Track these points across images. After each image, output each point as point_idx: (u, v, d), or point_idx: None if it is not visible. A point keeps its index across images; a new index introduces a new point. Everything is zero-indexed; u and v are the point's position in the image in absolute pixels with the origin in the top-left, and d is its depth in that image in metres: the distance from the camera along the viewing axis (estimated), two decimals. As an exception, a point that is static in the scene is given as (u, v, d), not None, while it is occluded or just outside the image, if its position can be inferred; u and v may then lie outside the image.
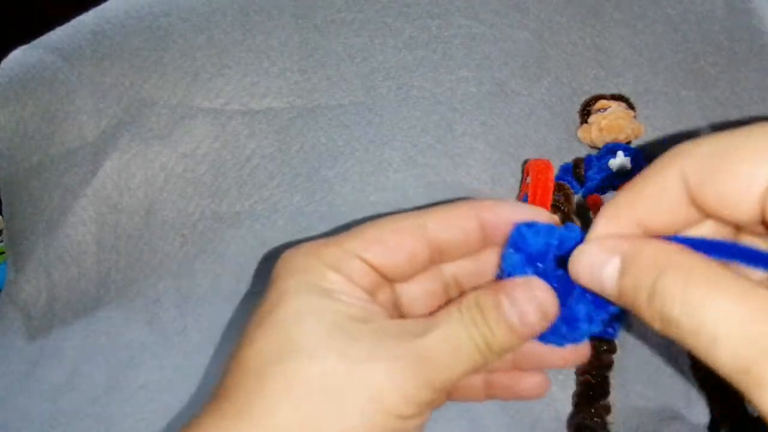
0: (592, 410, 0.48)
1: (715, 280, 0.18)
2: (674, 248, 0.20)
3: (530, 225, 0.24)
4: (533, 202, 0.52)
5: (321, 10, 0.63)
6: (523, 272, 0.23)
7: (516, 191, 0.58)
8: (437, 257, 0.25)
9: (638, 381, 0.51)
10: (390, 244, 0.24)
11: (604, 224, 0.22)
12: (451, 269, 0.26)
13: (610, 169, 0.56)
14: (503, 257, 0.24)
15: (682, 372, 0.51)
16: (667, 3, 0.64)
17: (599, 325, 0.23)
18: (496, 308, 0.22)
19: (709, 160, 0.20)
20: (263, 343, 0.22)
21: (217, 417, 0.22)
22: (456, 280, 0.26)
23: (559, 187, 0.56)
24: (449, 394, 0.24)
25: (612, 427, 0.48)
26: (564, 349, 0.25)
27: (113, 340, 0.56)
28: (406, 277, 0.25)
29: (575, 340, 0.24)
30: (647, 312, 0.19)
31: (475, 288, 0.25)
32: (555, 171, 0.57)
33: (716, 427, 0.48)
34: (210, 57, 0.62)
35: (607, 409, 0.49)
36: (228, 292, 0.58)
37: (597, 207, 0.56)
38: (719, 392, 0.48)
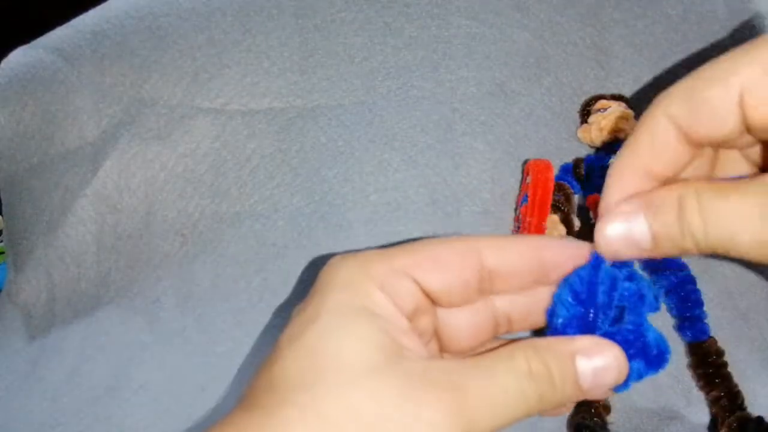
0: (592, 410, 0.48)
1: (726, 189, 0.20)
2: (680, 183, 0.22)
3: (590, 272, 0.23)
4: (533, 202, 0.52)
5: (321, 10, 0.63)
6: (578, 324, 0.23)
7: (516, 191, 0.58)
8: (489, 287, 0.24)
9: (638, 381, 0.51)
10: (443, 264, 0.23)
11: (614, 185, 0.23)
12: (503, 304, 0.25)
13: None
14: (559, 302, 0.23)
15: (682, 372, 0.51)
16: (667, 3, 0.64)
17: (651, 327, 0.24)
18: (569, 368, 0.22)
19: (686, 92, 0.22)
20: (291, 362, 0.21)
21: (233, 429, 0.21)
22: (507, 316, 0.25)
23: (559, 187, 0.56)
24: None
25: (612, 427, 0.48)
26: None
27: (113, 340, 0.56)
28: (454, 303, 0.24)
29: (657, 361, 0.24)
30: (683, 241, 0.21)
31: (523, 327, 0.25)
32: (555, 171, 0.57)
33: (716, 427, 0.48)
34: (210, 57, 0.62)
35: (607, 409, 0.49)
36: (228, 292, 0.58)
37: (597, 207, 0.56)
38: (719, 392, 0.48)
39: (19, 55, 0.63)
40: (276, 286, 0.57)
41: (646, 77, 0.63)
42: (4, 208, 0.64)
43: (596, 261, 0.24)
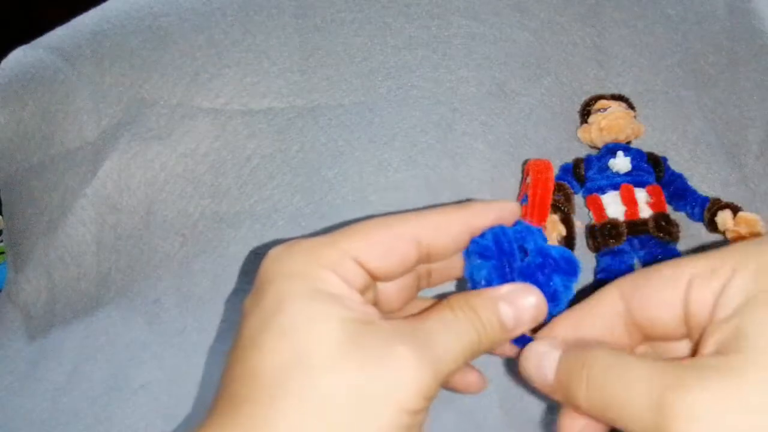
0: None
1: (630, 358, 0.22)
2: (593, 346, 0.24)
3: (483, 235, 0.27)
4: (533, 202, 0.52)
5: (321, 10, 0.63)
6: (497, 275, 0.26)
7: (516, 191, 0.58)
8: (424, 260, 0.26)
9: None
10: (386, 248, 0.25)
11: (543, 334, 0.26)
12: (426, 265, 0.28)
13: (610, 169, 0.56)
14: (473, 267, 0.27)
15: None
16: (667, 3, 0.64)
17: (572, 291, 0.27)
18: (492, 310, 0.25)
19: (639, 278, 0.24)
20: (274, 352, 0.21)
21: (228, 430, 0.21)
22: (428, 274, 0.28)
23: (559, 187, 0.56)
24: None
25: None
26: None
27: (113, 340, 0.56)
28: (393, 278, 0.26)
29: (557, 313, 0.27)
30: (577, 388, 0.23)
31: (441, 281, 0.29)
32: (555, 171, 0.57)
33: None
34: (210, 57, 0.62)
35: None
36: (228, 292, 0.58)
37: (597, 207, 0.56)
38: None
39: (19, 55, 0.63)
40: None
41: (646, 77, 0.63)
42: (4, 208, 0.64)
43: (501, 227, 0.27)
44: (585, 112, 0.60)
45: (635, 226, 0.54)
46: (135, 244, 0.60)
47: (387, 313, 0.28)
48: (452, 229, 0.26)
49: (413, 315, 0.25)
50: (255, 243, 0.59)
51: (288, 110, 0.62)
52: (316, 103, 0.62)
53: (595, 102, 0.60)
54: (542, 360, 0.25)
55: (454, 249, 0.27)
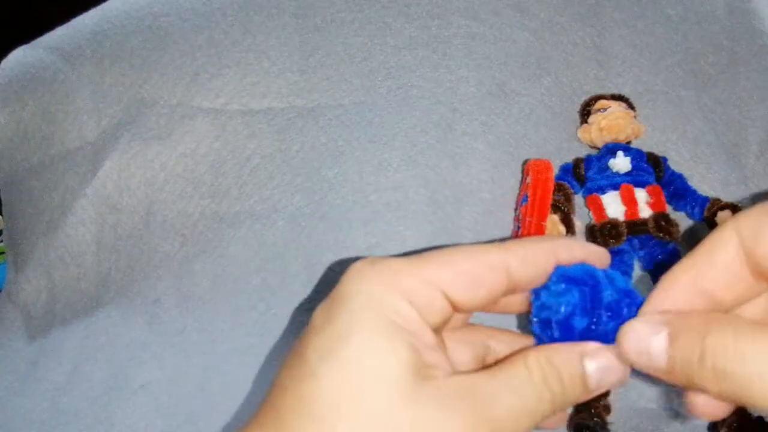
0: (592, 410, 0.48)
1: (762, 330, 0.19)
2: (717, 313, 0.21)
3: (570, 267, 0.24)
4: (533, 202, 0.52)
5: (321, 10, 0.63)
6: (581, 305, 0.24)
7: (516, 191, 0.58)
8: (509, 292, 0.24)
9: (638, 381, 0.51)
10: (476, 281, 0.23)
11: (660, 295, 0.22)
12: None
13: (610, 169, 0.56)
14: (557, 292, 0.24)
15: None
16: (667, 3, 0.64)
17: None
18: (577, 367, 0.23)
19: (759, 218, 0.20)
20: (325, 382, 0.21)
21: None
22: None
23: (559, 187, 0.56)
24: None
25: (612, 427, 0.48)
26: None
27: (113, 340, 0.56)
28: (475, 310, 0.24)
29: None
30: (699, 373, 0.20)
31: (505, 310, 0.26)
32: (555, 171, 0.57)
33: (716, 427, 0.48)
34: (210, 57, 0.62)
35: (607, 409, 0.49)
36: (228, 292, 0.58)
37: (597, 207, 0.56)
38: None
39: (19, 55, 0.63)
40: (276, 286, 0.57)
41: (646, 77, 0.63)
42: (4, 208, 0.64)
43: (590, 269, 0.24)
44: (585, 112, 0.60)
45: (635, 226, 0.54)
46: (135, 244, 0.60)
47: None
48: (540, 261, 0.24)
49: (482, 369, 0.23)
50: (255, 243, 0.59)
51: (288, 110, 0.62)
52: (316, 103, 0.62)
53: (595, 102, 0.60)
54: (647, 345, 0.22)
55: (539, 282, 0.25)
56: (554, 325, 0.24)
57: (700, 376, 0.20)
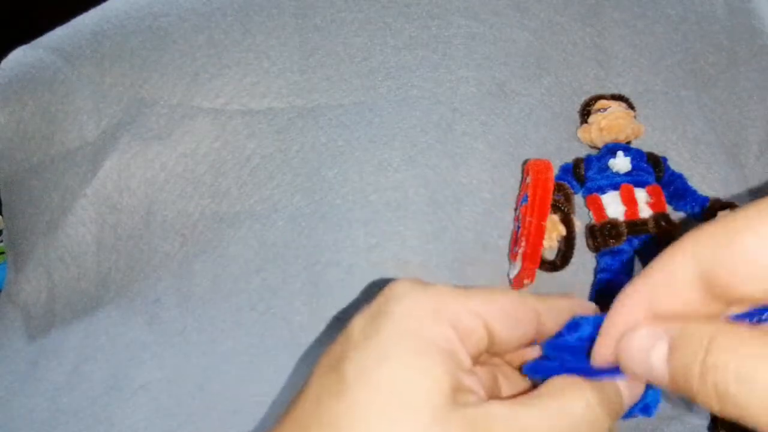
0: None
1: (748, 364, 0.18)
2: (721, 322, 0.20)
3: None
4: (533, 202, 0.52)
5: (321, 10, 0.63)
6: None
7: (516, 191, 0.58)
8: (530, 341, 0.25)
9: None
10: (516, 320, 0.23)
11: (613, 318, 0.22)
12: None
13: (610, 169, 0.56)
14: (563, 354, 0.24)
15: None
16: (667, 3, 0.64)
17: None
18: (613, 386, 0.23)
19: (717, 236, 0.19)
20: (361, 400, 0.20)
21: None
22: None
23: (559, 187, 0.56)
24: None
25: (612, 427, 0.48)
26: None
27: (113, 340, 0.56)
28: (506, 352, 0.25)
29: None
30: (701, 389, 0.19)
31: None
32: (555, 171, 0.57)
33: (716, 427, 0.48)
34: (210, 57, 0.62)
35: (607, 409, 0.49)
36: (228, 292, 0.58)
37: (597, 207, 0.56)
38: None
39: (19, 55, 0.63)
40: (276, 286, 0.57)
41: (646, 77, 0.63)
42: (4, 208, 0.64)
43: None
44: (585, 112, 0.60)
45: (635, 226, 0.54)
46: (135, 244, 0.60)
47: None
48: (564, 315, 0.25)
49: (517, 397, 0.23)
50: (255, 243, 0.59)
51: (288, 110, 0.62)
52: (316, 103, 0.62)
53: (595, 102, 0.60)
54: (648, 357, 0.21)
55: (551, 334, 0.25)
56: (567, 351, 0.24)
57: (702, 392, 0.19)
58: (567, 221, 0.54)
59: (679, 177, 0.58)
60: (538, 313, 0.24)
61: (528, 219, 0.52)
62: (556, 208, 0.55)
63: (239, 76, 0.62)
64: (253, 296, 0.57)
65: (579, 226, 0.56)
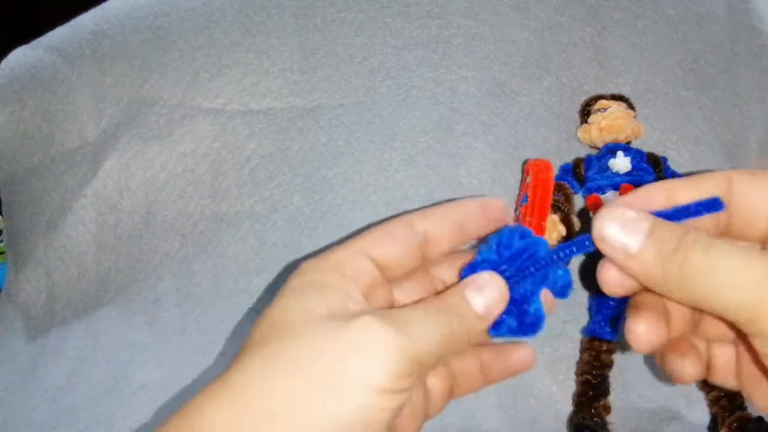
0: (592, 410, 0.48)
1: (728, 247, 0.21)
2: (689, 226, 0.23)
3: (514, 231, 0.26)
4: (533, 202, 0.52)
5: (321, 10, 0.63)
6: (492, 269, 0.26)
7: (516, 191, 0.58)
8: (426, 252, 0.28)
9: (638, 381, 0.51)
10: (390, 237, 0.27)
11: (640, 193, 0.25)
12: (441, 274, 0.29)
13: (610, 169, 0.56)
14: (482, 252, 0.26)
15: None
16: (667, 3, 0.64)
17: (539, 302, 0.26)
18: (462, 298, 0.25)
19: (756, 174, 0.24)
20: (256, 330, 0.24)
21: (214, 393, 0.25)
22: (444, 284, 0.29)
23: (559, 187, 0.56)
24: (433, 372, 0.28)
25: (612, 427, 0.48)
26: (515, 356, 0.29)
27: (113, 340, 0.57)
28: (403, 272, 0.27)
29: (529, 328, 0.26)
30: (670, 266, 0.22)
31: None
32: (555, 171, 0.57)
33: (716, 427, 0.48)
34: (210, 57, 0.62)
35: (607, 409, 0.49)
36: (228, 292, 0.58)
37: (597, 207, 0.56)
38: (719, 392, 0.48)
39: (19, 55, 0.63)
40: (276, 286, 0.57)
41: (646, 77, 0.63)
42: (4, 208, 0.64)
43: (526, 233, 0.26)
44: (585, 112, 0.60)
45: (635, 226, 0.54)
46: (135, 244, 0.60)
47: None
48: (442, 217, 0.28)
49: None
50: (255, 243, 0.59)
51: (288, 110, 0.62)
52: (316, 103, 0.62)
53: (595, 102, 0.60)
54: (629, 227, 0.23)
55: (449, 239, 0.28)
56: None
57: (671, 270, 0.22)
58: (567, 221, 0.54)
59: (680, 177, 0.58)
60: (411, 223, 0.27)
61: (528, 219, 0.52)
62: (556, 208, 0.55)
63: (239, 76, 0.62)
64: (253, 296, 0.57)
65: (579, 226, 0.56)
